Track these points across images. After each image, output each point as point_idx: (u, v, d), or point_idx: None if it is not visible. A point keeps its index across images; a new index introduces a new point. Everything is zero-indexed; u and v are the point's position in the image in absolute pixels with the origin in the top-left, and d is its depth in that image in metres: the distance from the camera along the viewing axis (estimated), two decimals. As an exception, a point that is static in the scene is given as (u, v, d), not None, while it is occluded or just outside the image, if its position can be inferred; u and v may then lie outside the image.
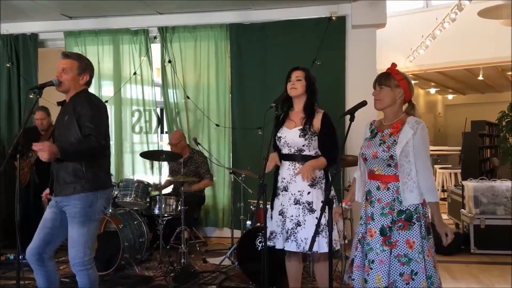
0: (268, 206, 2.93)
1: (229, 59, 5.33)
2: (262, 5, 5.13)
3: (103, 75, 5.64)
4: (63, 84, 2.70)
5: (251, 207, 4.13)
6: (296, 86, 2.91)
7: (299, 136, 2.85)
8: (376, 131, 2.42)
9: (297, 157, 2.87)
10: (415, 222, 2.24)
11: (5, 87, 5.65)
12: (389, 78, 2.34)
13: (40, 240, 2.69)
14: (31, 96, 5.26)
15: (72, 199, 2.62)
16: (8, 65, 5.64)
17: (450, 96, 14.64)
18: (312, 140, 2.86)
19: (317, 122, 2.88)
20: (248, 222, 4.11)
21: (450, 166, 8.09)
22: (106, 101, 5.16)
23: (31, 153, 4.51)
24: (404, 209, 2.25)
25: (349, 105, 4.76)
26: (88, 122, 2.59)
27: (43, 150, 2.45)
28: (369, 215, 2.34)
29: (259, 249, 3.03)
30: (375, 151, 2.32)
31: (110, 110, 5.41)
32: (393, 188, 2.29)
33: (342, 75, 5.03)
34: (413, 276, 2.18)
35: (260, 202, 2.60)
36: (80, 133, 2.61)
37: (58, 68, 2.72)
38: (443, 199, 7.05)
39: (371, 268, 2.25)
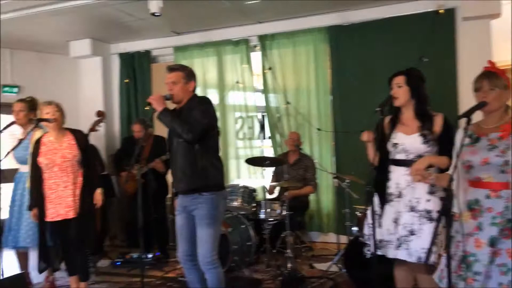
0: (377, 213, 2.83)
1: (329, 62, 5.29)
2: (361, 4, 5.00)
3: (209, 84, 5.94)
4: (175, 96, 2.92)
5: (357, 213, 4.05)
6: (398, 95, 2.73)
7: (422, 143, 2.66)
8: (476, 135, 2.26)
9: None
10: None
11: (124, 101, 6.25)
12: (499, 79, 2.21)
13: (187, 244, 2.98)
14: (146, 108, 5.70)
15: (199, 202, 2.86)
16: (126, 80, 6.23)
17: None
18: (434, 146, 2.67)
19: (437, 127, 2.68)
20: (355, 228, 4.03)
21: None
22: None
23: (137, 166, 4.66)
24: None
25: (463, 106, 4.42)
26: (191, 118, 2.83)
27: (155, 99, 2.83)
28: (477, 225, 2.20)
29: (367, 257, 2.94)
30: (485, 157, 2.17)
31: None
32: (505, 195, 2.15)
33: (454, 73, 4.68)
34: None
35: (366, 208, 2.53)
36: None
37: (167, 82, 2.94)
38: None
39: (476, 280, 2.14)
